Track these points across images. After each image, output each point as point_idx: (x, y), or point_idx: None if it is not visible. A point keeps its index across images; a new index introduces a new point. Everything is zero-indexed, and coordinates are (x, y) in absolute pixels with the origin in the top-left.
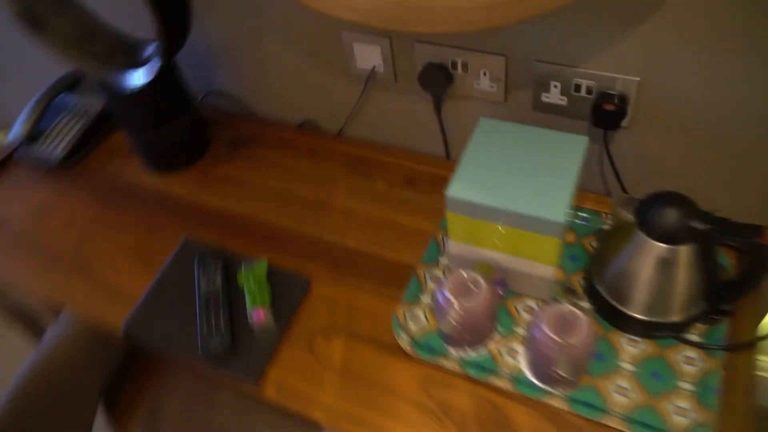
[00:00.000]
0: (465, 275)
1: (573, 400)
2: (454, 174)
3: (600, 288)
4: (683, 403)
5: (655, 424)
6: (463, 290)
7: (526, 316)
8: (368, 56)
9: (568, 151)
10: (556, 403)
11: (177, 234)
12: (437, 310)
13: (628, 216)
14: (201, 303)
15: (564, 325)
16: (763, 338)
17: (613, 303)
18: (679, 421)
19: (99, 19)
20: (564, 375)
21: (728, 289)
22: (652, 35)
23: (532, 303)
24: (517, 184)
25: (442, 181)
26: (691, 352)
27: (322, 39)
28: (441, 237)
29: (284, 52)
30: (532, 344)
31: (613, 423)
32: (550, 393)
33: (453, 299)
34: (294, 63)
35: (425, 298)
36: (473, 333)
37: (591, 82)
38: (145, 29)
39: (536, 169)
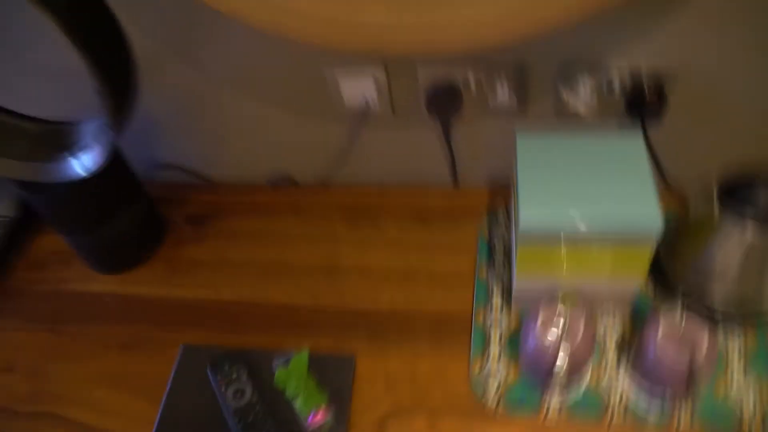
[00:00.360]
0: (556, 311)
1: (702, 412)
2: (518, 204)
3: (682, 287)
4: None
5: None
6: (555, 328)
7: (610, 337)
8: (358, 91)
9: (627, 152)
10: (685, 420)
11: (164, 343)
12: (528, 357)
13: (708, 205)
14: (236, 424)
15: (680, 337)
16: None
17: (701, 301)
18: None
19: (10, 110)
20: (687, 390)
21: None
22: (690, 20)
23: (609, 321)
24: (592, 198)
25: (457, 213)
26: None
27: (297, 80)
28: (485, 274)
29: (247, 103)
30: (647, 365)
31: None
32: (673, 412)
33: (558, 341)
34: (260, 114)
35: (494, 348)
36: (573, 371)
37: (625, 76)
38: (65, 109)
39: (604, 178)
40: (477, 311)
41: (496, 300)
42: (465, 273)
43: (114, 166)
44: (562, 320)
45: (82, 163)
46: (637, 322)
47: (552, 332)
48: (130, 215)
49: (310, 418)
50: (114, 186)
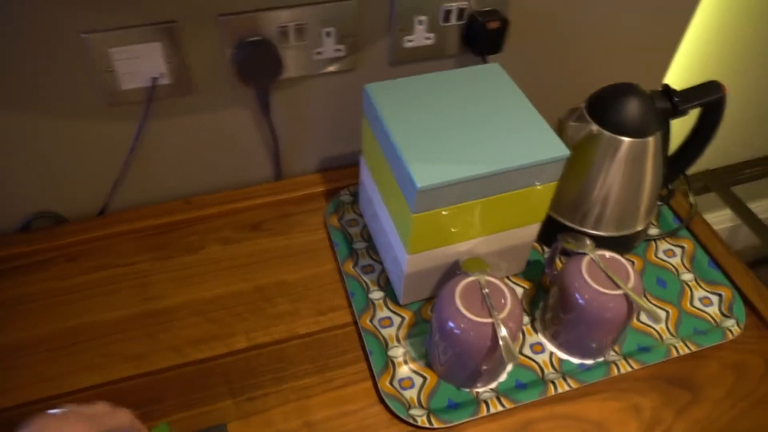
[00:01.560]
0: (474, 284)
1: (630, 355)
2: (404, 164)
3: (564, 221)
4: (701, 293)
5: (703, 327)
6: (480, 305)
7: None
8: (141, 66)
9: (494, 83)
10: (622, 368)
11: None
12: (454, 345)
13: (584, 126)
14: None
15: (605, 276)
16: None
17: (586, 230)
18: (714, 310)
19: None
20: (622, 329)
21: (676, 164)
22: None
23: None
24: (484, 139)
25: (292, 208)
26: (663, 244)
27: (45, 58)
28: (352, 269)
29: None
30: (573, 316)
31: (680, 351)
32: (608, 362)
33: (491, 315)
34: None
35: (397, 352)
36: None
37: (463, 3)
38: None
39: (485, 114)
40: (361, 315)
41: (376, 295)
42: (327, 274)
43: None
44: (484, 290)
45: None
46: (532, 277)
47: (479, 306)
48: None
49: None
50: None
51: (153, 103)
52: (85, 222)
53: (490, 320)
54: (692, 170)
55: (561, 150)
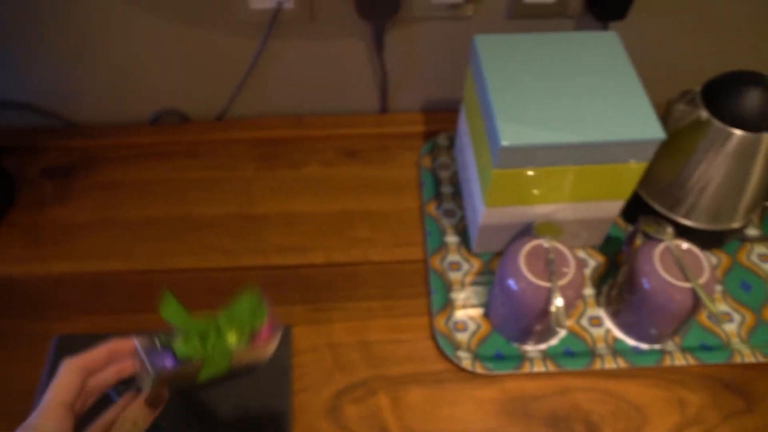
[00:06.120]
0: (541, 247)
1: (689, 350)
2: (494, 119)
3: (655, 204)
4: None
5: None
6: (543, 268)
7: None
8: None
9: (607, 54)
10: (677, 360)
11: (32, 337)
12: (511, 301)
13: (694, 111)
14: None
15: (678, 265)
16: None
17: (675, 218)
18: None
19: None
20: (683, 322)
21: None
22: None
23: (582, 254)
24: (579, 107)
25: (390, 142)
26: (760, 248)
27: None
28: (434, 211)
29: (117, 11)
30: (637, 298)
31: (746, 358)
32: (664, 351)
33: (551, 280)
34: (136, 27)
35: (459, 296)
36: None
37: None
38: None
39: (587, 83)
40: (432, 254)
41: (451, 239)
42: (409, 211)
43: None
44: (550, 255)
45: None
46: (609, 253)
47: (542, 270)
48: None
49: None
50: None
51: (276, 25)
52: (205, 123)
53: (548, 284)
54: None
55: (656, 132)
